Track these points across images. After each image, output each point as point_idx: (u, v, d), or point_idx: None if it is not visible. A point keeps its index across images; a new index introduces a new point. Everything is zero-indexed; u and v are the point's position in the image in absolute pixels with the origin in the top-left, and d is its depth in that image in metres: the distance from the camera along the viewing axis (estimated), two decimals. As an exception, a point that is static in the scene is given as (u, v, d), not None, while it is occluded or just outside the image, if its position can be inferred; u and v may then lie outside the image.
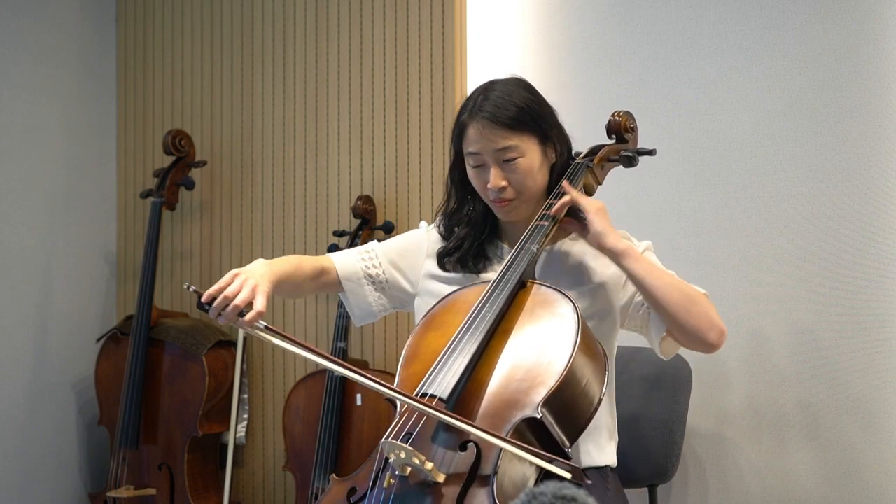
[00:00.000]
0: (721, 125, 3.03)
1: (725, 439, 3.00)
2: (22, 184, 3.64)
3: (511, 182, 2.16)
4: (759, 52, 2.99)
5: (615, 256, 2.12)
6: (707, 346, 2.12)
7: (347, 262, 2.30)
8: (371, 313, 2.33)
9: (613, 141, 2.29)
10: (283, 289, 2.15)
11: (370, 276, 2.29)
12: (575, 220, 2.17)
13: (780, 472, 2.94)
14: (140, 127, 3.95)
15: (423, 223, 2.41)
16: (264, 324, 1.98)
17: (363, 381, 1.91)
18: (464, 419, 1.85)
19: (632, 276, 2.12)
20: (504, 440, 1.82)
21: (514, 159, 2.15)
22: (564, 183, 2.18)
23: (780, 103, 2.96)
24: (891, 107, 2.83)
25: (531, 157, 2.17)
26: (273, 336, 1.97)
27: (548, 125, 2.20)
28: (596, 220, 2.12)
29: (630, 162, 2.27)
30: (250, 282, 2.00)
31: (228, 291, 1.97)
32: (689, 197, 3.07)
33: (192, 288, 1.97)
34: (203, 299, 1.98)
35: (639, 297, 2.19)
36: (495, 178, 2.15)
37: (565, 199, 2.15)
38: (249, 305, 1.97)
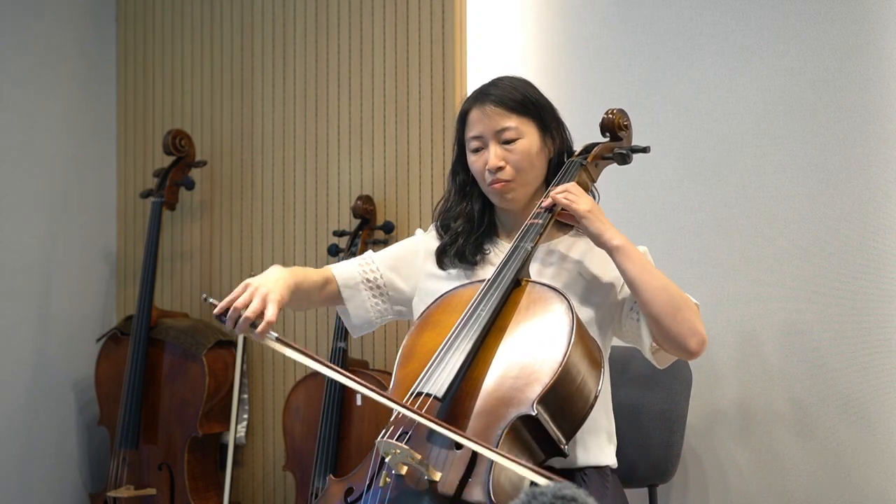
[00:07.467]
0: (721, 125, 3.03)
1: (725, 439, 3.00)
2: (22, 184, 3.65)
3: (509, 162, 2.19)
4: (759, 52, 2.99)
5: (610, 252, 2.12)
6: (687, 353, 2.12)
7: (346, 270, 2.31)
8: (369, 321, 2.32)
9: (607, 139, 2.29)
10: (295, 297, 2.12)
11: (368, 280, 2.30)
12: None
13: (780, 472, 2.93)
14: (140, 127, 3.95)
15: (420, 230, 2.42)
16: (276, 335, 1.94)
17: (371, 394, 1.86)
18: (455, 429, 1.83)
19: (623, 273, 2.12)
20: (494, 451, 1.79)
21: (513, 140, 2.19)
22: (556, 190, 2.18)
23: (780, 103, 2.95)
24: (891, 107, 2.83)
25: (530, 139, 2.21)
26: (285, 347, 1.92)
27: (549, 117, 2.25)
28: (589, 225, 2.13)
29: (624, 160, 2.27)
30: (261, 291, 1.97)
31: (238, 303, 1.95)
32: (689, 197, 3.06)
33: (210, 300, 1.96)
34: (215, 311, 1.95)
35: (631, 302, 2.19)
36: (494, 158, 2.19)
37: (556, 199, 2.15)
38: (261, 316, 1.94)
